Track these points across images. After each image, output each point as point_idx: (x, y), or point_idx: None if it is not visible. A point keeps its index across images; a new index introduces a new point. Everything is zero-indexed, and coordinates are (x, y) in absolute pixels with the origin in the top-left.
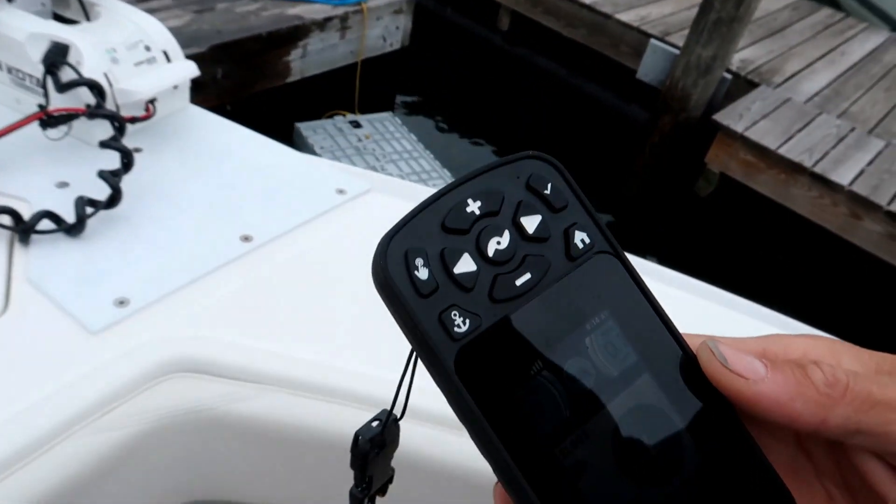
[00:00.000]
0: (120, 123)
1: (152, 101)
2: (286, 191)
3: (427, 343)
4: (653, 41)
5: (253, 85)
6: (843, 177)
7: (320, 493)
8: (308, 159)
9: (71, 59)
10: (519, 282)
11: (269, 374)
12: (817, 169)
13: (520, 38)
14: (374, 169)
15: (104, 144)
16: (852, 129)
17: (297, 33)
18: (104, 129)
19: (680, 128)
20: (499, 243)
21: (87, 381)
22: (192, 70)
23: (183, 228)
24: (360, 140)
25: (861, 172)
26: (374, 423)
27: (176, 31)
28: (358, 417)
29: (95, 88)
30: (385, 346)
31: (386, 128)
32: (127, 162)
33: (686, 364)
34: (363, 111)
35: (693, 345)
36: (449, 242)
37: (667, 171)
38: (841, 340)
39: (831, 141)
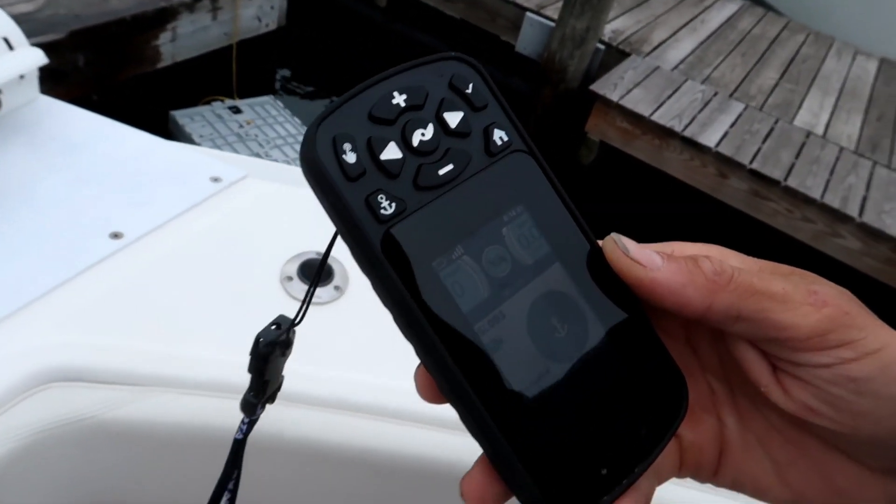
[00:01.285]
0: None
1: None
2: (157, 182)
3: (355, 224)
4: (529, 14)
5: (120, 72)
6: (709, 139)
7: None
8: (178, 147)
9: None
10: (441, 171)
11: (151, 374)
12: (687, 133)
13: (399, 14)
14: (257, 156)
15: None
16: (715, 94)
17: (164, 15)
18: None
19: (560, 99)
20: (423, 135)
21: None
22: (38, 57)
23: (44, 230)
24: (241, 126)
25: (725, 134)
26: (273, 328)
27: (27, 17)
28: (237, 411)
29: None
30: None
31: (268, 112)
32: None
33: (593, 255)
34: (242, 96)
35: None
36: (375, 131)
37: (550, 141)
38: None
39: (697, 105)
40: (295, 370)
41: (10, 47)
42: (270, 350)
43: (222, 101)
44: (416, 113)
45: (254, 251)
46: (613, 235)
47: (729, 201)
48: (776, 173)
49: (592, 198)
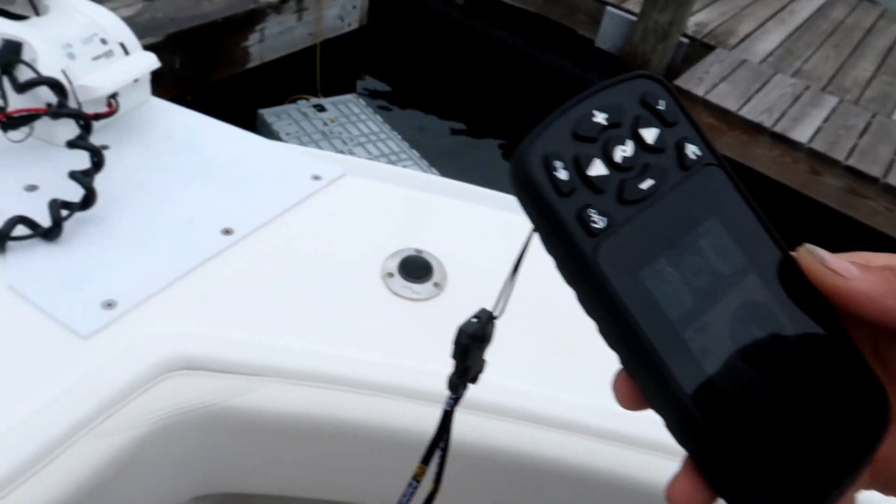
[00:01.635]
0: (86, 121)
1: (114, 96)
2: (261, 180)
3: (568, 237)
4: (609, 8)
5: (212, 73)
6: (801, 135)
7: (327, 478)
8: (279, 147)
9: (25, 56)
10: (643, 186)
11: (267, 365)
12: (777, 128)
13: (477, 11)
14: (341, 153)
15: (72, 144)
16: (807, 88)
17: (253, 17)
18: (68, 128)
19: None
20: (624, 151)
21: (84, 387)
22: (152, 62)
23: (162, 225)
24: (325, 124)
25: (818, 130)
26: (474, 320)
27: (128, 21)
28: (355, 402)
29: (56, 87)
30: (371, 329)
31: (351, 110)
32: (97, 161)
33: (787, 266)
34: (326, 94)
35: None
36: (581, 149)
37: None
38: None
39: (788, 100)
40: (396, 364)
41: (126, 52)
42: (470, 341)
43: (307, 99)
44: (615, 130)
45: (355, 247)
46: (808, 246)
47: (822, 199)
48: (874, 170)
49: None
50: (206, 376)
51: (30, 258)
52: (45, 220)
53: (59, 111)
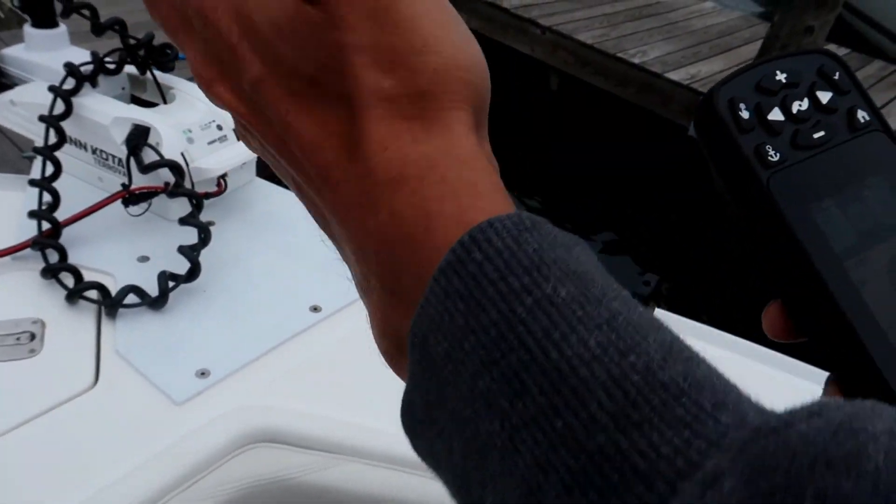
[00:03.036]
0: (198, 201)
1: (223, 177)
2: None
3: (746, 165)
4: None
5: None
6: None
7: None
8: None
9: (151, 140)
10: (815, 136)
11: (345, 444)
12: None
13: (570, 97)
14: None
15: (184, 221)
16: None
17: None
18: (181, 205)
19: None
20: (800, 106)
21: (174, 453)
22: None
23: (256, 299)
24: None
25: None
26: None
27: None
28: (429, 487)
29: (175, 169)
30: None
31: None
32: (204, 237)
33: None
34: None
35: None
36: (762, 98)
37: (729, 234)
38: None
39: None
40: None
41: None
42: None
43: None
44: (793, 89)
45: None
46: None
47: None
48: None
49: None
50: (286, 450)
51: (135, 325)
52: (153, 290)
53: (175, 191)
